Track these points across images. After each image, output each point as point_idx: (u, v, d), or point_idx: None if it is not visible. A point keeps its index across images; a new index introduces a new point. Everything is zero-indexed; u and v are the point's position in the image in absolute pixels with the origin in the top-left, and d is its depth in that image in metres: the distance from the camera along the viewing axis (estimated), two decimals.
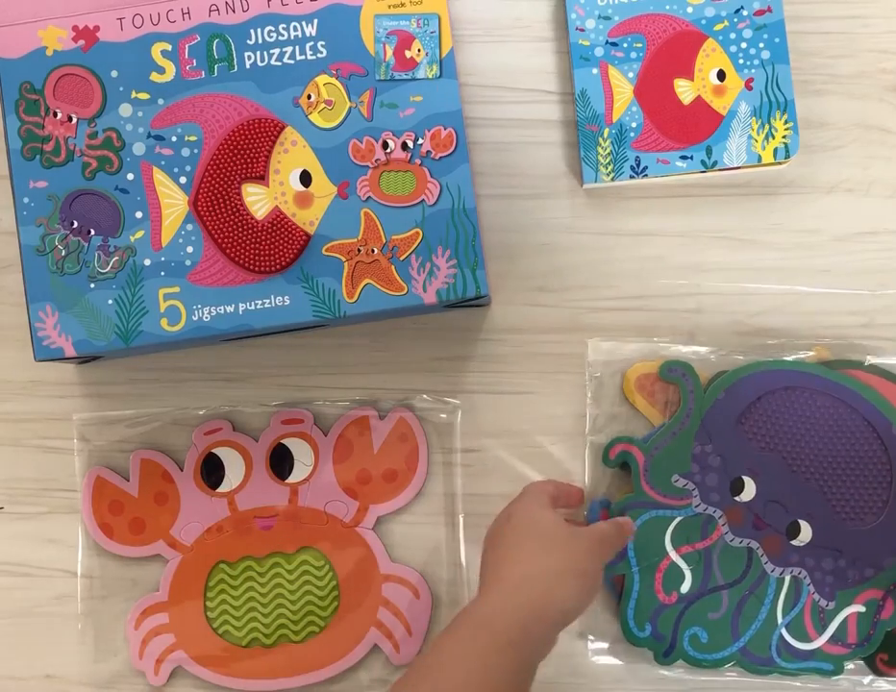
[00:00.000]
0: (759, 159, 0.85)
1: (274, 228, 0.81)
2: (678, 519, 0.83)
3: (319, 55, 0.82)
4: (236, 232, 0.81)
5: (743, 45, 0.85)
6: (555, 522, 0.75)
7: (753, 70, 0.85)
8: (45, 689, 0.88)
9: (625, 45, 0.86)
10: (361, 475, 0.87)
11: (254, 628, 0.86)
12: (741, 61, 0.85)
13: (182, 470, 0.87)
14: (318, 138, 0.81)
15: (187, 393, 0.88)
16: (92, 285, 0.81)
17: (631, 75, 0.86)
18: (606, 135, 0.85)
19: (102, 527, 0.87)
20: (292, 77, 0.81)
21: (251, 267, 0.81)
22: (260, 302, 0.81)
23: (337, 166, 0.81)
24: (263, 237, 0.81)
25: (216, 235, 0.81)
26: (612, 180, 0.86)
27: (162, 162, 0.81)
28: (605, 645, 0.85)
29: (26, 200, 0.81)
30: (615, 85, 0.86)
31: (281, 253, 0.81)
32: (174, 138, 0.81)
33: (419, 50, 0.82)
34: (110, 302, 0.81)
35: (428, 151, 0.81)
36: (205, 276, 0.81)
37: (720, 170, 0.86)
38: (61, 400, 0.89)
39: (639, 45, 0.86)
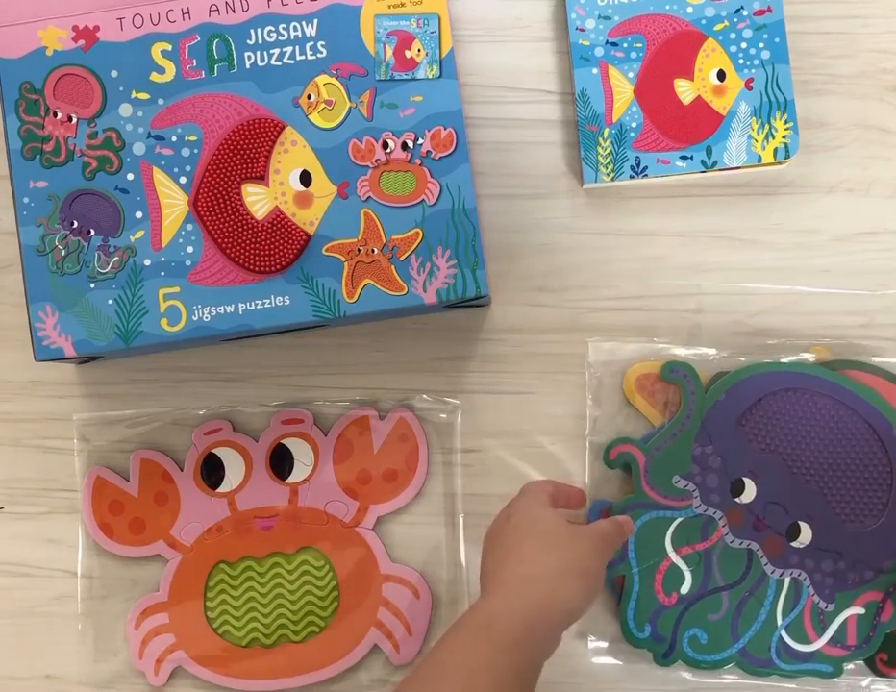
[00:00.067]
0: (759, 159, 0.85)
1: (274, 228, 0.81)
2: (678, 520, 0.83)
3: (319, 55, 0.82)
4: (236, 232, 0.81)
5: (743, 45, 0.85)
6: (555, 521, 0.75)
7: (753, 70, 0.85)
8: (45, 689, 0.88)
9: (625, 45, 0.86)
10: (361, 475, 0.87)
11: (254, 628, 0.86)
12: (741, 61, 0.85)
13: (182, 470, 0.87)
14: (318, 138, 0.81)
15: (187, 393, 0.88)
16: (92, 285, 0.81)
17: (631, 75, 0.86)
18: (606, 135, 0.86)
19: (102, 527, 0.87)
20: (292, 77, 0.81)
21: (251, 267, 0.81)
22: (260, 302, 0.81)
23: (337, 166, 0.81)
24: (263, 237, 0.81)
25: (216, 235, 0.81)
26: (612, 180, 0.86)
27: (162, 162, 0.81)
28: (604, 645, 0.85)
29: (26, 200, 0.81)
30: (615, 85, 0.86)
31: (281, 253, 0.81)
32: (174, 138, 0.81)
33: (419, 50, 0.82)
34: (110, 302, 0.81)
35: (428, 151, 0.81)
36: (205, 276, 0.81)
37: (720, 170, 0.86)
38: (61, 400, 0.89)
39: (639, 45, 0.86)
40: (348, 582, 0.86)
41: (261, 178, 0.82)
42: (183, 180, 0.81)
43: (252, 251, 0.81)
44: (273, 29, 0.82)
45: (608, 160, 0.86)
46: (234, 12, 0.82)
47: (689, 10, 0.86)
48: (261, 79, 0.81)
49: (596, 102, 0.86)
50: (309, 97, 0.82)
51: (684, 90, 0.86)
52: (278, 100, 0.81)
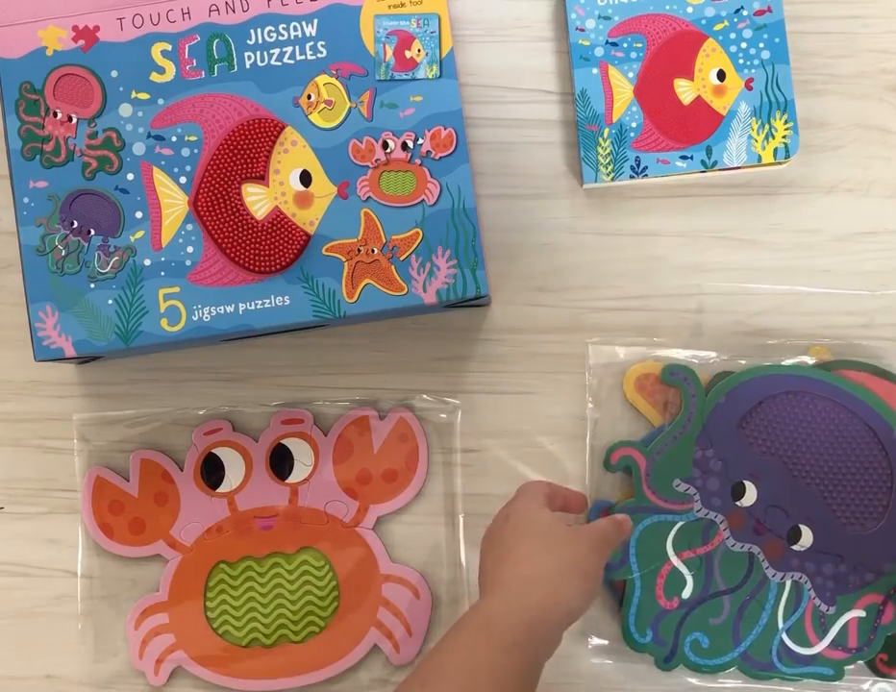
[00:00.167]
0: (759, 159, 0.85)
1: (274, 228, 0.81)
2: (679, 524, 0.83)
3: (319, 55, 0.82)
4: (236, 232, 0.81)
5: (743, 45, 0.85)
6: (553, 521, 0.75)
7: (753, 70, 0.85)
8: (45, 689, 0.88)
9: (625, 45, 0.86)
10: (361, 475, 0.87)
11: (254, 628, 0.86)
12: (741, 61, 0.85)
13: (182, 470, 0.87)
14: (318, 138, 0.81)
15: (187, 393, 0.88)
16: (92, 285, 0.81)
17: (631, 75, 0.86)
18: (606, 135, 0.85)
19: (102, 527, 0.87)
20: (292, 77, 0.81)
21: (251, 267, 0.81)
22: (260, 302, 0.81)
23: (337, 166, 0.81)
24: (263, 237, 0.81)
25: (216, 235, 0.81)
26: (612, 180, 0.86)
27: (162, 162, 0.81)
28: (605, 646, 0.85)
29: (26, 200, 0.81)
30: (615, 85, 0.86)
31: (281, 253, 0.81)
32: (174, 138, 0.81)
33: (419, 50, 0.82)
34: (110, 302, 0.81)
35: (428, 151, 0.81)
36: (205, 276, 0.81)
37: (720, 170, 0.86)
38: (61, 400, 0.89)
39: (639, 45, 0.86)
40: (348, 582, 0.86)
41: (261, 178, 0.82)
42: (183, 180, 0.81)
43: (252, 251, 0.81)
44: (273, 29, 0.82)
45: (608, 161, 0.86)
46: (234, 12, 0.82)
47: (689, 10, 0.86)
48: (261, 79, 0.81)
49: (596, 102, 0.86)
50: (309, 97, 0.82)
51: (684, 90, 0.86)
52: (278, 100, 0.81)
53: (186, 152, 0.81)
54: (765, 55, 0.85)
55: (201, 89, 0.81)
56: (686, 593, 0.83)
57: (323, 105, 0.82)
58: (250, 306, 0.81)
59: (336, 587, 0.86)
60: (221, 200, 0.81)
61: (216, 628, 0.86)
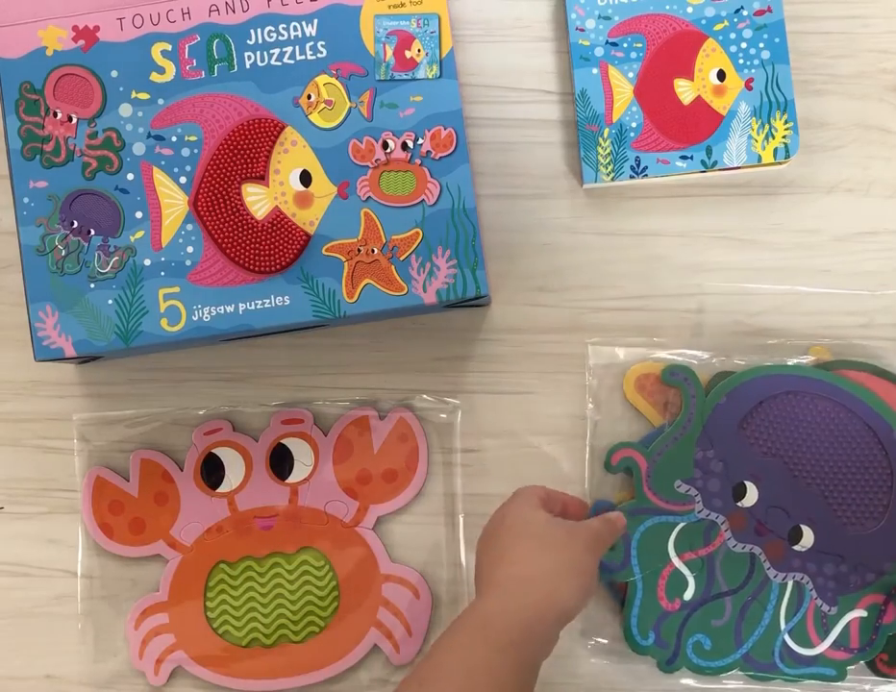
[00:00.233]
0: (759, 159, 0.85)
1: (274, 228, 0.81)
2: (681, 525, 0.83)
3: (319, 55, 0.82)
4: (236, 232, 0.81)
5: (743, 45, 0.85)
6: (548, 522, 0.75)
7: (753, 70, 0.85)
8: (45, 689, 0.88)
9: (625, 45, 0.86)
10: (361, 475, 0.87)
11: (254, 628, 0.86)
12: (741, 61, 0.85)
13: (182, 470, 0.87)
14: (318, 138, 0.81)
15: (187, 393, 0.88)
16: (92, 285, 0.81)
17: (631, 75, 0.86)
18: (606, 135, 0.85)
19: (102, 527, 0.87)
20: (292, 77, 0.81)
21: (251, 267, 0.81)
22: (260, 302, 0.81)
23: (337, 166, 0.81)
24: (263, 237, 0.81)
25: (216, 235, 0.81)
26: (612, 180, 0.86)
27: (162, 162, 0.81)
28: (605, 646, 0.85)
29: (26, 200, 0.81)
30: (615, 85, 0.86)
31: (281, 253, 0.81)
32: (174, 138, 0.81)
33: (419, 50, 0.82)
34: (110, 302, 0.81)
35: (428, 151, 0.81)
36: (205, 276, 0.81)
37: (720, 170, 0.86)
38: (61, 400, 0.89)
39: (639, 45, 0.86)
40: (348, 582, 0.86)
41: (261, 178, 0.82)
42: (183, 180, 0.81)
43: (252, 251, 0.81)
44: (273, 29, 0.82)
45: (608, 161, 0.86)
46: (234, 12, 0.82)
47: (689, 10, 0.86)
48: (261, 79, 0.81)
49: (596, 102, 0.86)
50: (309, 97, 0.82)
51: (684, 90, 0.86)
52: (278, 100, 0.81)
53: (186, 152, 0.81)
54: (765, 55, 0.85)
55: (201, 89, 0.81)
56: (688, 594, 0.83)
57: (323, 105, 0.82)
58: (250, 306, 0.81)
59: (336, 587, 0.86)
60: (221, 200, 0.81)
61: (216, 628, 0.86)
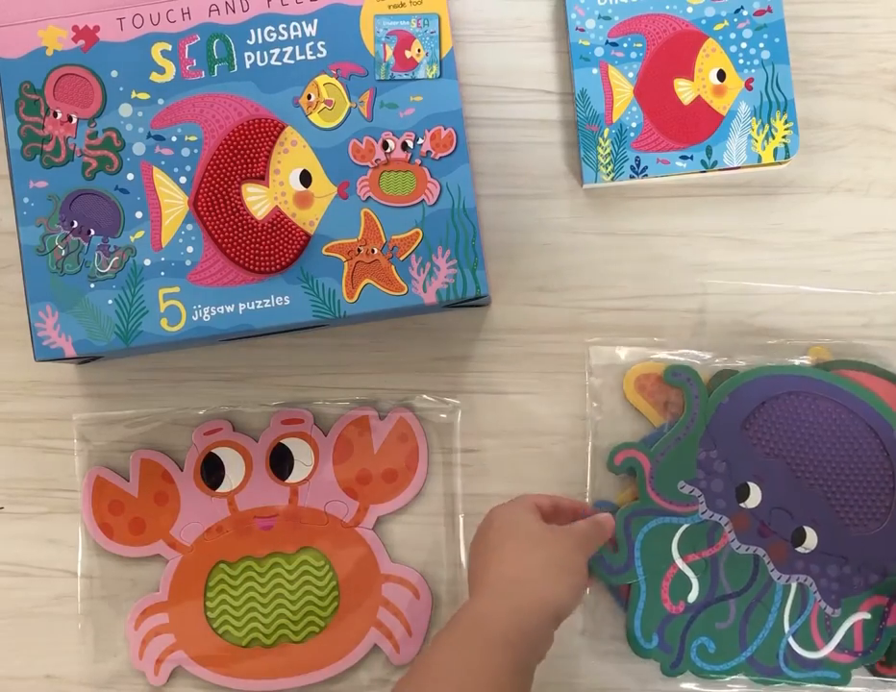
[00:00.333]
0: (759, 159, 0.85)
1: (274, 228, 0.81)
2: (684, 526, 0.83)
3: (319, 55, 0.82)
4: (236, 232, 0.81)
5: (743, 45, 0.85)
6: (533, 522, 0.75)
7: (753, 70, 0.85)
8: (45, 689, 0.88)
9: (625, 45, 0.86)
10: (361, 475, 0.87)
11: (254, 628, 0.86)
12: (741, 61, 0.85)
13: (182, 470, 0.87)
14: (318, 138, 0.81)
15: (187, 393, 0.88)
16: (92, 285, 0.81)
17: (631, 75, 0.86)
18: (606, 135, 0.85)
19: (102, 527, 0.87)
20: (292, 77, 0.81)
21: (251, 267, 0.81)
22: (260, 302, 0.81)
23: (337, 166, 0.81)
24: (263, 237, 0.81)
25: (216, 235, 0.81)
26: (612, 180, 0.86)
27: (162, 162, 0.81)
28: (605, 646, 0.85)
29: (26, 200, 0.81)
30: (615, 85, 0.86)
31: (281, 253, 0.81)
32: (174, 138, 0.81)
33: (419, 50, 0.82)
34: (110, 302, 0.81)
35: (428, 151, 0.81)
36: (205, 276, 0.81)
37: (720, 170, 0.86)
38: (61, 400, 0.89)
39: (639, 45, 0.86)
40: (348, 582, 0.86)
41: (261, 178, 0.82)
42: (183, 180, 0.81)
43: (252, 251, 0.81)
44: (273, 29, 0.82)
45: (608, 161, 0.86)
46: (234, 12, 0.82)
47: (689, 10, 0.86)
48: (261, 79, 0.81)
49: (596, 102, 0.86)
50: (309, 97, 0.82)
51: (684, 90, 0.86)
52: (278, 100, 0.81)
53: (186, 152, 0.81)
54: (765, 55, 0.85)
55: (201, 89, 0.81)
56: (692, 597, 0.83)
57: (323, 105, 0.82)
58: (250, 306, 0.81)
59: (336, 587, 0.86)
60: (221, 200, 0.81)
61: (216, 628, 0.86)
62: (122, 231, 0.81)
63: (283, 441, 0.87)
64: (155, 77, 0.81)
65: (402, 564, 0.87)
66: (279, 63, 0.82)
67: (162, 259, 0.81)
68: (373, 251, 0.81)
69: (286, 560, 0.87)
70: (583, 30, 0.86)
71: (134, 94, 0.81)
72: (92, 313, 0.81)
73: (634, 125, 0.85)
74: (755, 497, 0.83)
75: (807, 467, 0.83)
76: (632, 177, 0.86)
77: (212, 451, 0.87)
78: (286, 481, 0.87)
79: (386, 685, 0.86)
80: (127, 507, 0.87)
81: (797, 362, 0.84)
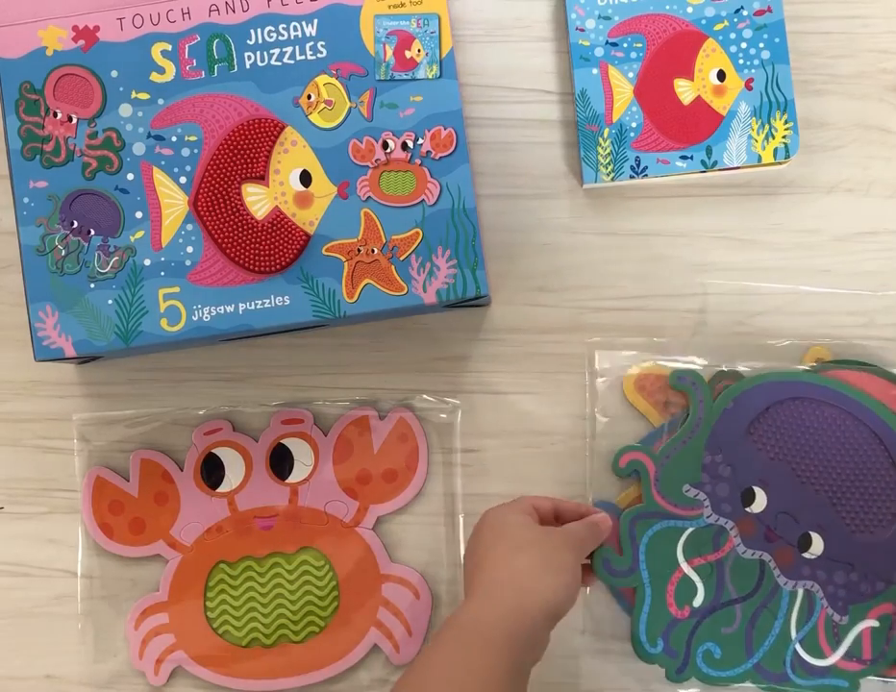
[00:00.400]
0: (759, 159, 0.85)
1: (274, 228, 0.81)
2: (689, 530, 0.82)
3: (319, 55, 0.82)
4: (236, 232, 0.81)
5: (743, 45, 0.85)
6: (525, 524, 0.75)
7: (753, 70, 0.85)
8: (45, 689, 0.88)
9: (625, 45, 0.86)
10: (361, 475, 0.87)
11: (254, 628, 0.86)
12: (741, 61, 0.85)
13: (182, 470, 0.87)
14: (318, 138, 0.81)
15: (187, 393, 0.88)
16: (92, 285, 0.81)
17: (631, 75, 0.86)
18: (606, 135, 0.85)
19: (102, 527, 0.87)
20: (292, 77, 0.81)
21: (251, 267, 0.81)
22: (260, 302, 0.81)
23: (337, 166, 0.81)
24: (263, 237, 0.81)
25: (216, 235, 0.81)
26: (612, 180, 0.86)
27: (162, 162, 0.81)
28: (605, 645, 0.85)
29: (26, 200, 0.81)
30: (615, 85, 0.86)
31: (281, 253, 0.81)
32: (174, 138, 0.81)
33: (419, 50, 0.82)
34: (110, 302, 0.81)
35: (428, 151, 0.81)
36: (205, 276, 0.81)
37: (720, 170, 0.86)
38: (61, 400, 0.89)
39: (639, 45, 0.86)
40: (348, 582, 0.86)
41: (261, 178, 0.82)
42: (183, 180, 0.81)
43: (252, 251, 0.81)
44: (273, 29, 0.82)
45: (608, 161, 0.86)
46: (234, 11, 0.82)
47: (689, 10, 0.86)
48: (261, 79, 0.81)
49: (596, 102, 0.86)
50: (309, 97, 0.82)
51: (684, 90, 0.86)
52: (278, 100, 0.81)
53: (186, 152, 0.81)
54: (765, 55, 0.85)
55: (201, 89, 0.81)
56: (698, 601, 0.82)
57: (323, 105, 0.82)
58: (250, 306, 0.81)
59: (335, 587, 0.86)
60: (221, 200, 0.81)
61: (216, 628, 0.86)
62: (122, 231, 0.81)
63: (283, 441, 0.87)
64: (155, 77, 0.81)
65: (402, 564, 0.87)
66: (279, 63, 0.82)
67: (162, 259, 0.81)
68: (373, 251, 0.81)
69: (286, 560, 0.87)
70: (583, 30, 0.86)
71: (134, 94, 0.81)
72: (92, 313, 0.81)
73: (634, 125, 0.85)
74: (760, 501, 0.82)
75: (812, 473, 0.82)
76: (632, 177, 0.86)
77: (212, 451, 0.87)
78: (286, 481, 0.87)
79: (386, 685, 0.86)
80: (127, 507, 0.87)
81: (800, 367, 0.84)
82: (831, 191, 0.87)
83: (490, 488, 0.86)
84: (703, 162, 0.85)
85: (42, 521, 0.89)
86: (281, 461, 0.87)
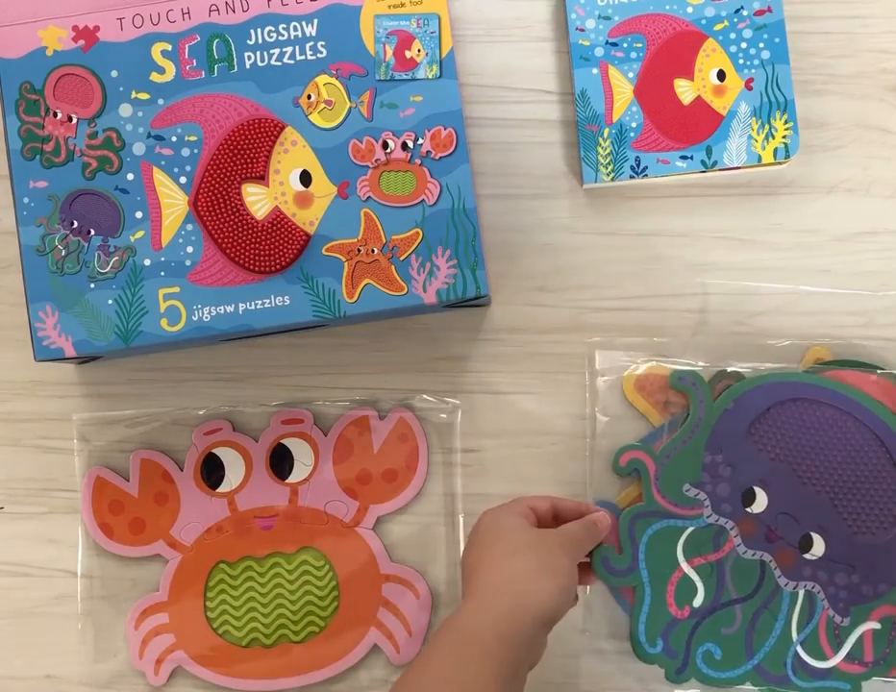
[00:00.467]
0: (759, 159, 0.85)
1: (274, 228, 0.81)
2: (689, 530, 0.82)
3: (319, 55, 0.82)
4: (236, 232, 0.81)
5: (743, 45, 0.85)
6: (520, 526, 0.75)
7: (753, 70, 0.85)
8: (45, 689, 0.88)
9: (625, 45, 0.86)
10: (361, 475, 0.87)
11: (254, 628, 0.86)
12: (741, 61, 0.85)
13: (182, 470, 0.87)
14: (318, 138, 0.81)
15: (187, 393, 0.88)
16: (92, 285, 0.81)
17: (631, 75, 0.86)
18: (606, 135, 0.85)
19: (102, 527, 0.87)
20: (292, 77, 0.81)
21: (251, 267, 0.81)
22: (260, 302, 0.81)
23: (337, 166, 0.81)
24: (263, 237, 0.81)
25: (216, 235, 0.81)
26: (612, 180, 0.86)
27: (162, 162, 0.81)
28: (605, 645, 0.85)
29: (26, 200, 0.81)
30: (615, 85, 0.86)
31: (281, 253, 0.81)
32: (174, 138, 0.81)
33: (419, 50, 0.82)
34: (110, 302, 0.81)
35: (428, 151, 0.81)
36: (205, 276, 0.81)
37: (720, 170, 0.86)
38: (61, 400, 0.89)
39: (639, 45, 0.86)
40: (348, 582, 0.86)
41: (261, 178, 0.82)
42: (183, 180, 0.81)
43: (252, 251, 0.81)
44: (273, 29, 0.82)
45: (608, 161, 0.86)
46: (234, 11, 0.82)
47: (689, 10, 0.86)
48: (261, 79, 0.81)
49: (596, 102, 0.86)
50: (309, 97, 0.82)
51: (684, 90, 0.86)
52: (278, 100, 0.81)
53: (186, 152, 0.81)
54: (765, 55, 0.85)
55: (201, 89, 0.81)
56: (698, 601, 0.82)
57: (323, 105, 0.82)
58: (250, 306, 0.81)
59: (335, 587, 0.86)
60: (221, 200, 0.81)
61: (216, 628, 0.86)
62: (122, 231, 0.81)
63: (283, 441, 0.87)
64: (155, 77, 0.81)
65: (402, 564, 0.87)
66: (279, 63, 0.82)
67: (162, 259, 0.81)
68: (373, 251, 0.81)
69: (286, 560, 0.87)
70: (583, 30, 0.86)
71: (134, 94, 0.81)
72: (92, 313, 0.81)
73: (634, 125, 0.85)
74: (761, 502, 0.82)
75: (812, 473, 0.82)
76: (632, 177, 0.86)
77: (212, 451, 0.87)
78: (286, 481, 0.87)
79: (386, 685, 0.86)
80: (127, 507, 0.87)
81: (801, 368, 0.84)
82: (831, 191, 0.87)
83: (490, 488, 0.86)
84: (703, 162, 0.85)
85: (42, 521, 0.89)
86: (281, 461, 0.87)
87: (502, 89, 0.88)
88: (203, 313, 0.81)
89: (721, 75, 0.85)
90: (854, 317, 0.86)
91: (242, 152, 0.81)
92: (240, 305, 0.81)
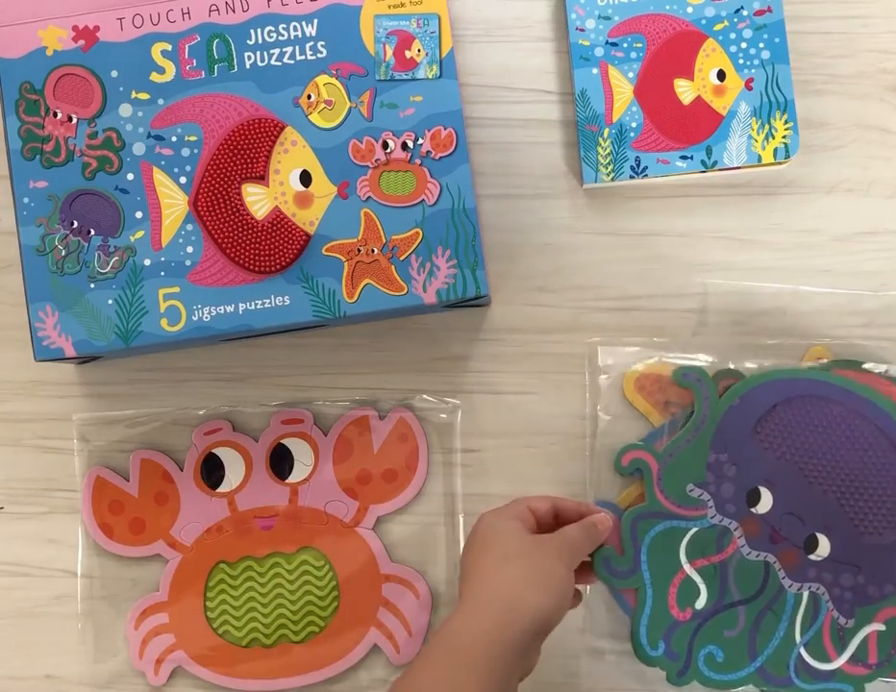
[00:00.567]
0: (759, 159, 0.85)
1: (274, 228, 0.81)
2: (693, 531, 0.82)
3: (319, 55, 0.82)
4: (236, 232, 0.81)
5: (743, 45, 0.85)
6: (515, 532, 0.74)
7: (753, 70, 0.85)
8: (45, 689, 0.88)
9: (625, 45, 0.86)
10: (361, 475, 0.87)
11: (254, 628, 0.86)
12: (741, 61, 0.85)
13: (182, 470, 0.87)
14: (318, 138, 0.81)
15: (187, 393, 0.88)
16: (92, 285, 0.81)
17: (631, 75, 0.86)
18: (606, 135, 0.85)
19: (102, 527, 0.87)
20: (292, 77, 0.81)
21: (251, 267, 0.81)
22: (260, 302, 0.81)
23: (337, 166, 0.81)
24: (263, 237, 0.81)
25: (216, 235, 0.81)
26: (612, 180, 0.86)
27: (162, 162, 0.81)
28: (605, 646, 0.85)
29: (26, 200, 0.81)
30: (615, 85, 0.86)
31: (281, 253, 0.81)
32: (174, 138, 0.81)
33: (419, 50, 0.82)
34: (110, 302, 0.81)
35: (428, 151, 0.81)
36: (205, 276, 0.81)
37: (720, 170, 0.86)
38: (61, 400, 0.89)
39: (639, 45, 0.86)
40: (348, 582, 0.86)
41: (261, 178, 0.82)
42: (183, 180, 0.81)
43: (252, 251, 0.81)
44: (273, 29, 0.82)
45: (608, 160, 0.86)
46: (234, 12, 0.82)
47: (689, 10, 0.86)
48: (261, 79, 0.81)
49: (596, 102, 0.86)
50: (309, 97, 0.82)
51: (684, 90, 0.86)
52: (278, 100, 0.81)
53: (186, 152, 0.81)
54: (765, 55, 0.85)
55: (201, 89, 0.81)
56: (700, 603, 0.81)
57: (323, 105, 0.82)
58: (250, 306, 0.81)
59: (336, 587, 0.86)
60: (221, 200, 0.81)
61: (216, 628, 0.86)
62: (122, 231, 0.81)
63: (283, 441, 0.87)
64: (155, 77, 0.81)
65: (402, 564, 0.87)
66: (279, 63, 0.82)
67: (162, 259, 0.81)
68: (373, 251, 0.81)
69: (286, 560, 0.87)
70: (583, 30, 0.86)
71: (134, 94, 0.81)
72: (92, 313, 0.81)
73: (634, 125, 0.85)
74: (766, 502, 0.82)
75: (819, 473, 0.81)
76: (632, 177, 0.86)
77: (212, 451, 0.87)
78: (286, 481, 0.87)
79: (386, 685, 0.86)
80: (127, 507, 0.87)
81: (808, 364, 0.83)
82: (831, 191, 0.87)
83: (490, 488, 0.86)
84: (703, 162, 0.85)
85: (42, 521, 0.89)
86: (281, 461, 0.87)
87: (502, 89, 0.88)
88: (203, 313, 0.81)
89: (721, 75, 0.85)
90: (854, 317, 0.86)
91: (242, 152, 0.81)
92: (240, 305, 0.81)
